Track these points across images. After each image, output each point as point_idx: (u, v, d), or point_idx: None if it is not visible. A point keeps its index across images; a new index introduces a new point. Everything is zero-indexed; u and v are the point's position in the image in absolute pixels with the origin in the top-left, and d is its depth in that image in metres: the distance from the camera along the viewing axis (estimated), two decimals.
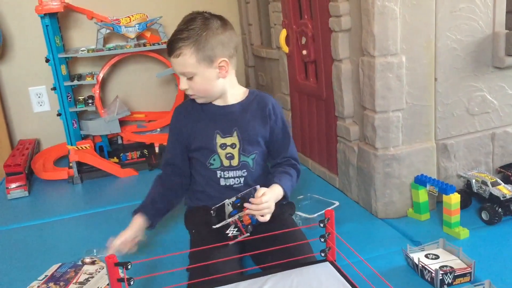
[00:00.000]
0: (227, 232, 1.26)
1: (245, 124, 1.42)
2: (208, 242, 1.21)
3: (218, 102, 1.43)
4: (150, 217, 1.41)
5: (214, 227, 1.26)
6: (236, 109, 1.43)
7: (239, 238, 1.27)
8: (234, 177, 1.42)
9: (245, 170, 1.42)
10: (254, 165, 1.43)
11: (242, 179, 1.42)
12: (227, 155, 1.41)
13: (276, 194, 1.34)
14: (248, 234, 1.28)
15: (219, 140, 1.41)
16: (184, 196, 1.52)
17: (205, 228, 1.34)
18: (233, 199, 1.31)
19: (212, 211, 1.30)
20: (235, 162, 1.41)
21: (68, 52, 2.33)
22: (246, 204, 1.28)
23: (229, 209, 1.29)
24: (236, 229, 1.28)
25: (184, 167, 1.48)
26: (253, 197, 1.29)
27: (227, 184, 1.42)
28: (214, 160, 1.41)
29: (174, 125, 1.48)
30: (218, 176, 1.42)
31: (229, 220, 1.26)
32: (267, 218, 1.29)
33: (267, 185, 1.36)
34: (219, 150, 1.40)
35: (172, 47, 1.33)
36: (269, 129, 1.44)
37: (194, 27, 1.32)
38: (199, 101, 1.42)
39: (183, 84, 1.37)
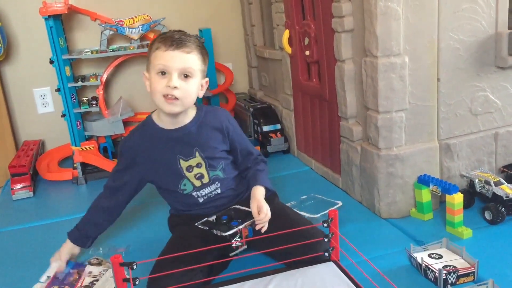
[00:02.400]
0: (233, 241, 1.27)
1: (205, 143, 1.41)
2: (178, 251, 1.21)
3: (170, 126, 1.39)
4: (81, 242, 1.48)
5: (224, 234, 1.27)
6: (192, 129, 1.40)
7: (240, 249, 1.31)
8: (210, 192, 1.43)
9: (217, 182, 1.43)
10: (224, 174, 1.44)
11: (218, 190, 1.44)
12: (197, 176, 1.41)
13: (262, 196, 1.37)
14: (246, 246, 1.32)
15: (184, 164, 1.39)
16: (114, 219, 1.53)
17: (182, 237, 1.39)
18: (214, 217, 1.35)
19: (201, 225, 1.33)
20: (206, 180, 1.41)
21: (72, 53, 2.35)
22: (257, 217, 1.30)
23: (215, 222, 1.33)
24: (240, 238, 1.29)
25: (123, 197, 1.48)
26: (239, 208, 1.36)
27: (205, 198, 1.43)
28: (185, 185, 1.41)
29: (126, 155, 1.43)
30: (196, 196, 1.43)
31: (240, 227, 1.28)
32: (265, 227, 1.32)
33: (242, 182, 1.46)
34: (187, 174, 1.39)
35: (182, 41, 1.30)
36: (229, 142, 1.46)
37: (198, 40, 1.37)
38: (173, 108, 1.33)
39: (175, 82, 1.29)
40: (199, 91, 1.37)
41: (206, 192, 1.43)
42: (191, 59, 1.31)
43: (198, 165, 1.40)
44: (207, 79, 1.41)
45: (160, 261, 1.23)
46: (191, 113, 1.42)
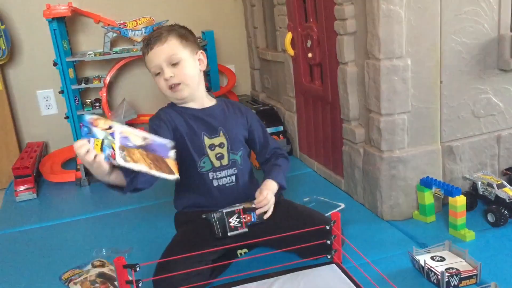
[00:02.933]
0: (230, 220, 1.28)
1: (228, 124, 1.47)
2: (181, 252, 1.22)
3: (197, 106, 1.46)
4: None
5: (220, 210, 1.29)
6: (216, 111, 1.48)
7: (239, 231, 1.30)
8: (226, 176, 1.45)
9: (235, 168, 1.45)
10: (242, 162, 1.47)
11: (233, 177, 1.45)
12: (217, 155, 1.43)
13: (272, 189, 1.40)
14: (247, 230, 1.32)
15: (207, 141, 1.43)
16: None
17: (187, 235, 1.39)
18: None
19: (205, 216, 1.33)
20: (225, 161, 1.44)
21: (75, 55, 2.36)
22: (256, 200, 1.33)
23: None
24: (238, 220, 1.30)
25: None
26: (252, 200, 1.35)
27: (220, 184, 1.44)
28: (204, 163, 1.43)
29: (159, 119, 1.44)
30: (211, 177, 1.43)
31: (236, 207, 1.29)
32: (269, 213, 1.35)
33: (256, 183, 1.47)
34: (209, 152, 1.42)
35: (156, 37, 1.38)
36: (249, 130, 1.51)
37: (172, 26, 1.45)
38: (182, 93, 1.41)
39: (168, 72, 1.37)
40: (197, 67, 1.45)
41: (223, 175, 1.44)
42: (169, 47, 1.38)
43: (221, 145, 1.43)
44: (200, 51, 1.47)
45: (166, 257, 1.24)
46: (213, 101, 1.51)
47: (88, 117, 1.14)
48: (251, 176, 1.51)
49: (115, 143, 1.11)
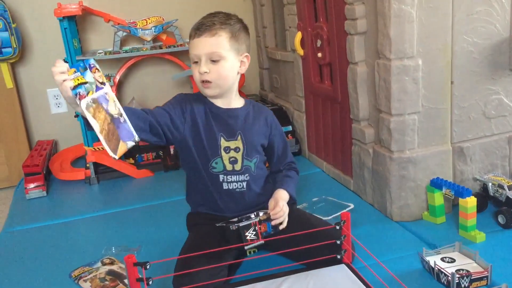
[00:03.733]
0: (247, 234, 1.27)
1: (248, 130, 1.42)
2: (195, 250, 1.21)
3: (223, 105, 1.41)
4: None
5: (236, 225, 1.26)
6: (240, 114, 1.42)
7: (255, 243, 1.28)
8: (237, 181, 1.41)
9: (247, 175, 1.41)
10: (255, 170, 1.43)
11: (244, 184, 1.41)
12: (231, 159, 1.39)
13: (285, 199, 1.39)
14: (263, 242, 1.29)
15: (223, 143, 1.39)
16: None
17: (201, 235, 1.38)
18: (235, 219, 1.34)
19: (220, 225, 1.32)
20: (238, 167, 1.40)
21: (85, 54, 2.37)
22: (272, 211, 1.31)
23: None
24: (254, 232, 1.28)
25: (153, 118, 1.30)
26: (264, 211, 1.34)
27: (230, 188, 1.40)
28: (216, 163, 1.38)
29: (178, 102, 1.39)
30: (221, 180, 1.40)
31: (252, 220, 1.27)
32: (285, 224, 1.33)
33: (268, 190, 1.44)
34: (223, 153, 1.38)
35: (207, 26, 1.31)
36: (269, 140, 1.48)
37: (229, 19, 1.37)
38: (210, 91, 1.36)
39: (204, 67, 1.32)
40: (236, 68, 1.38)
41: (234, 180, 1.40)
42: (216, 42, 1.31)
43: (236, 149, 1.39)
44: (246, 54, 1.40)
45: (184, 258, 1.23)
46: (241, 101, 1.46)
47: (92, 61, 1.14)
48: (265, 183, 1.47)
49: (93, 93, 1.10)
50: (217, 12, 1.39)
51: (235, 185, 1.40)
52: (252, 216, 1.30)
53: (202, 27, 1.32)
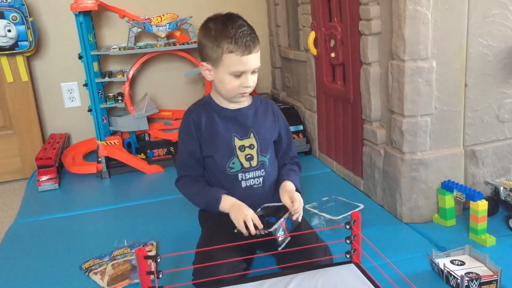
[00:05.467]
0: (279, 235, 1.27)
1: (259, 126, 1.46)
2: (215, 243, 1.24)
3: (233, 106, 1.45)
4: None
5: (269, 230, 1.26)
6: (249, 112, 1.46)
7: (285, 242, 1.30)
8: (254, 178, 1.44)
9: (263, 170, 1.45)
10: (269, 164, 1.46)
11: (261, 179, 1.44)
12: (247, 157, 1.43)
13: (293, 189, 1.42)
14: (289, 238, 1.31)
15: (237, 143, 1.42)
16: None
17: (215, 229, 1.39)
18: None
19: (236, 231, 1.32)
20: (254, 163, 1.43)
21: (100, 49, 2.39)
22: (292, 207, 1.33)
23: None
24: (283, 233, 1.29)
25: (200, 171, 1.48)
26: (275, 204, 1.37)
27: (248, 185, 1.43)
28: (233, 163, 1.42)
29: (190, 129, 1.44)
30: (239, 179, 1.43)
31: (281, 221, 1.28)
32: (301, 215, 1.36)
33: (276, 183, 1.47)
34: (238, 152, 1.42)
35: (253, 44, 1.34)
36: (277, 132, 1.50)
37: (251, 28, 1.39)
38: (244, 99, 1.43)
39: (250, 80, 1.37)
40: None
41: (251, 176, 1.43)
42: (258, 57, 1.37)
43: (251, 146, 1.43)
44: None
45: (205, 251, 1.25)
46: (249, 99, 1.48)
47: None
48: (276, 180, 1.49)
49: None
50: (238, 19, 1.39)
51: (252, 182, 1.43)
52: (281, 219, 1.31)
53: (250, 44, 1.33)
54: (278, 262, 1.34)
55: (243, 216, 1.29)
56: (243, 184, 1.43)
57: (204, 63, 1.40)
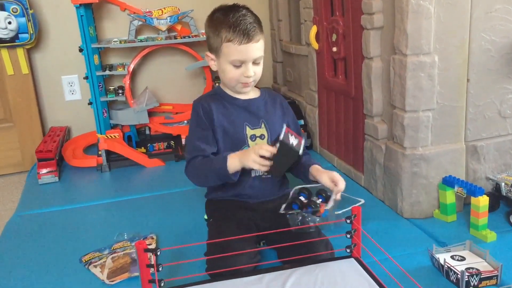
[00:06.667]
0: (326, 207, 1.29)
1: (270, 117, 1.46)
2: (227, 233, 1.24)
3: (243, 96, 1.45)
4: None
5: (328, 207, 1.28)
6: (259, 103, 1.47)
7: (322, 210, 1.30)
8: None
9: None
10: None
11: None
12: None
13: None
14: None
15: (249, 132, 1.43)
16: None
17: (225, 220, 1.39)
18: (284, 205, 1.36)
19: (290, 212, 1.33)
20: None
21: (101, 42, 2.38)
22: (339, 187, 1.33)
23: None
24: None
25: (210, 153, 1.43)
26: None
27: (257, 174, 1.43)
28: None
29: (200, 116, 1.43)
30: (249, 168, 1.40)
31: (333, 197, 1.32)
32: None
33: (284, 186, 1.50)
34: (249, 142, 1.43)
35: (253, 33, 1.33)
36: (286, 122, 1.50)
37: (258, 18, 1.39)
38: (247, 89, 1.42)
39: (251, 70, 1.36)
40: None
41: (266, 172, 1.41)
42: (261, 46, 1.37)
43: (261, 136, 1.44)
44: None
45: (220, 242, 1.24)
46: (257, 91, 1.50)
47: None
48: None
49: None
50: (242, 9, 1.39)
51: (261, 172, 1.42)
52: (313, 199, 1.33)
53: (249, 32, 1.32)
54: (279, 255, 1.34)
55: (253, 153, 1.28)
56: (253, 173, 1.43)
57: (208, 53, 1.41)
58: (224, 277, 1.19)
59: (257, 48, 1.35)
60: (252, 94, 1.48)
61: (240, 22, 1.33)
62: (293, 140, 1.29)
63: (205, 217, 1.54)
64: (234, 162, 1.33)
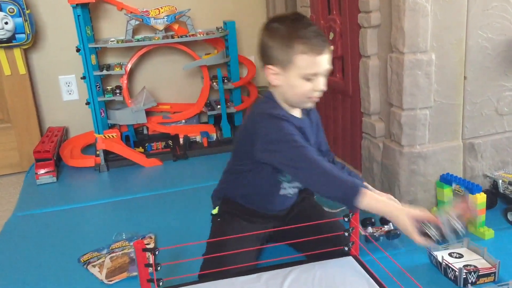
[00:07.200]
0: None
1: (313, 136, 1.39)
2: (229, 245, 1.23)
3: (297, 114, 1.34)
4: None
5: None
6: (307, 122, 1.37)
7: None
8: (292, 188, 1.39)
9: None
10: None
11: (296, 190, 1.40)
12: None
13: None
14: None
15: None
16: None
17: (233, 228, 1.34)
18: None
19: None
20: None
21: (98, 42, 2.38)
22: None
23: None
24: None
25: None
26: None
27: (284, 193, 1.38)
28: (284, 176, 1.35)
29: (285, 125, 1.26)
30: (281, 187, 1.37)
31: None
32: None
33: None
34: None
35: (326, 44, 1.26)
36: (322, 136, 1.46)
37: (319, 28, 1.32)
38: (312, 104, 1.33)
39: (324, 84, 1.28)
40: None
41: (291, 186, 1.37)
42: (330, 58, 1.28)
43: None
44: None
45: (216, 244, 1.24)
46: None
47: None
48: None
49: None
50: (306, 19, 1.30)
51: (289, 191, 1.38)
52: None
53: (323, 44, 1.24)
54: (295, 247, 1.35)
55: (414, 226, 1.09)
56: (282, 192, 1.37)
57: (271, 67, 1.27)
58: (222, 275, 1.19)
59: (328, 60, 1.26)
60: (298, 111, 1.35)
61: (313, 33, 1.24)
62: (456, 224, 1.11)
63: (213, 211, 1.45)
64: (373, 201, 1.14)
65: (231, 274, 1.20)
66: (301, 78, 1.24)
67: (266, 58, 1.29)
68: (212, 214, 1.46)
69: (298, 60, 1.23)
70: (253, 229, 1.31)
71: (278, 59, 1.25)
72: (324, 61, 1.25)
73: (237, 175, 1.40)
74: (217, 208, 1.44)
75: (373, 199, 1.13)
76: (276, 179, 1.35)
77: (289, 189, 1.38)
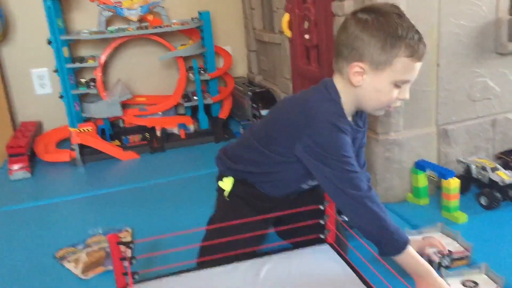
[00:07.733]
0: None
1: (357, 143, 1.27)
2: (234, 229, 1.19)
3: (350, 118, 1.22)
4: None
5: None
6: (361, 133, 1.27)
7: None
8: (312, 185, 1.32)
9: None
10: None
11: (313, 184, 1.31)
12: None
13: None
14: None
15: None
16: None
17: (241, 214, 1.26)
18: None
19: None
20: None
21: (70, 34, 2.33)
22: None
23: None
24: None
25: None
26: None
27: (304, 187, 1.31)
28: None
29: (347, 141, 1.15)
30: (306, 183, 1.30)
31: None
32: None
33: None
34: None
35: (425, 50, 1.16)
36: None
37: None
38: (383, 113, 1.25)
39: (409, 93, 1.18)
40: None
41: (311, 184, 1.30)
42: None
43: None
44: None
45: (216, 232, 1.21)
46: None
47: None
48: None
49: None
50: (403, 15, 1.15)
51: (307, 187, 1.32)
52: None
53: (425, 48, 1.14)
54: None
55: None
56: (305, 186, 1.31)
57: (359, 64, 1.12)
58: (199, 267, 1.18)
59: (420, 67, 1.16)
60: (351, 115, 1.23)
61: (418, 35, 1.13)
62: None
63: (222, 185, 1.32)
64: (413, 261, 1.10)
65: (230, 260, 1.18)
66: (392, 83, 1.13)
67: (354, 54, 1.12)
68: (219, 188, 1.34)
69: (397, 63, 1.10)
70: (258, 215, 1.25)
71: (373, 57, 1.10)
72: (418, 69, 1.15)
73: (265, 166, 1.28)
74: (227, 182, 1.31)
75: (414, 258, 1.10)
76: (305, 180, 1.29)
77: (310, 185, 1.32)
